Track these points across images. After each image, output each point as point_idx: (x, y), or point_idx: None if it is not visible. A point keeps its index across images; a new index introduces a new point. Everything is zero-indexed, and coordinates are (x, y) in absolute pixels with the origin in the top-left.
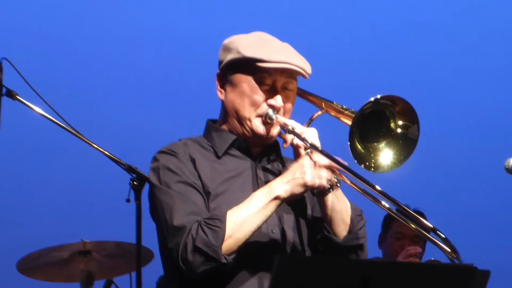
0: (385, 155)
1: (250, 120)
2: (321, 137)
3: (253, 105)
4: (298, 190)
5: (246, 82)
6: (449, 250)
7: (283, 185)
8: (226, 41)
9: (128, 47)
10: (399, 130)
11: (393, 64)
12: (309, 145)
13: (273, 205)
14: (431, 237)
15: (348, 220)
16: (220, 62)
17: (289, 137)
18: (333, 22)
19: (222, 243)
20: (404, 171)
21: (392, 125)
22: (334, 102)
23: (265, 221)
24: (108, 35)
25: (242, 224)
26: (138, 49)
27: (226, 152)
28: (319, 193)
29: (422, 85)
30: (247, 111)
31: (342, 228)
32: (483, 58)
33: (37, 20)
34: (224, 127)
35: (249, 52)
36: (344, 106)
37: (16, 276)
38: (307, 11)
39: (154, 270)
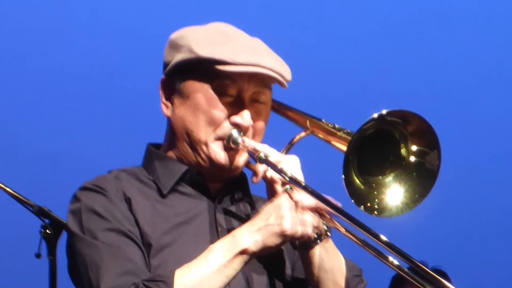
0: (394, 193)
1: (206, 145)
2: (304, 168)
3: (211, 124)
4: (273, 241)
5: (202, 92)
6: None
7: (252, 235)
8: (174, 36)
9: (44, 42)
10: (412, 159)
11: (402, 67)
12: (288, 179)
13: (238, 262)
14: None
15: (342, 283)
16: (166, 65)
17: (261, 168)
18: (322, 12)
19: None
20: (420, 215)
21: (403, 151)
22: (323, 120)
23: (228, 284)
24: (14, 25)
25: None
26: (57, 45)
27: (173, 189)
28: (302, 245)
29: (443, 96)
30: (203, 132)
31: None
32: None
33: None
34: (171, 154)
35: (205, 51)
36: (336, 125)
37: None
38: None
39: None
